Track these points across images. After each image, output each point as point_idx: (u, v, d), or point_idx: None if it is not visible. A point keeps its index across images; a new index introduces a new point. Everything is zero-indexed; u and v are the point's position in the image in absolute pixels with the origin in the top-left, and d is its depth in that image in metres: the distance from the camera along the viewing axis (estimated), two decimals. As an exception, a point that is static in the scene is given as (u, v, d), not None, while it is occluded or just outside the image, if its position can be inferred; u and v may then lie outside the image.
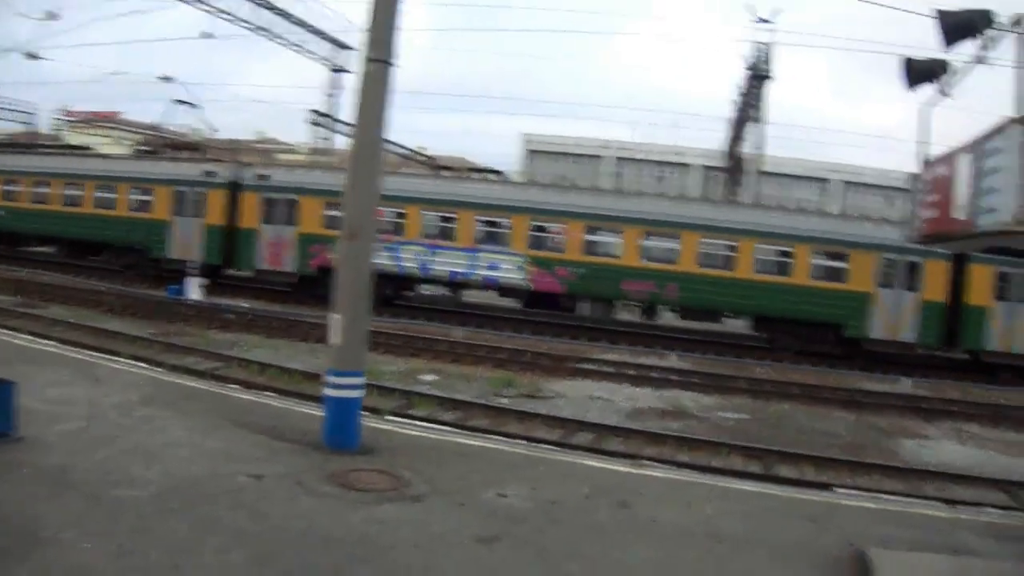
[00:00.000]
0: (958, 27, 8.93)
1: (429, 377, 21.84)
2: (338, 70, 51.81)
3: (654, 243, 31.85)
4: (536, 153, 77.39)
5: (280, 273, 34.84)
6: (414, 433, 13.54)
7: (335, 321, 11.58)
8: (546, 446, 14.73)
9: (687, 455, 16.04)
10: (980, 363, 30.21)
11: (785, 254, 30.81)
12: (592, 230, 32.15)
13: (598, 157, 76.71)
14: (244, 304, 31.33)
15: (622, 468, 12.45)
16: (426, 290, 34.64)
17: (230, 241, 35.74)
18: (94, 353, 18.23)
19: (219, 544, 7.88)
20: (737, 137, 54.75)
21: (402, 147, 59.85)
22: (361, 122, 11.85)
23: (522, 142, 77.73)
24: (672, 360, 26.89)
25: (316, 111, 52.76)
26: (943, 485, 15.38)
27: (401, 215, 33.20)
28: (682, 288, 31.16)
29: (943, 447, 18.91)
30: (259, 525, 8.45)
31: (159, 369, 17.41)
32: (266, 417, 13.03)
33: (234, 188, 35.93)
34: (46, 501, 8.49)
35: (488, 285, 33.47)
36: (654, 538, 9.16)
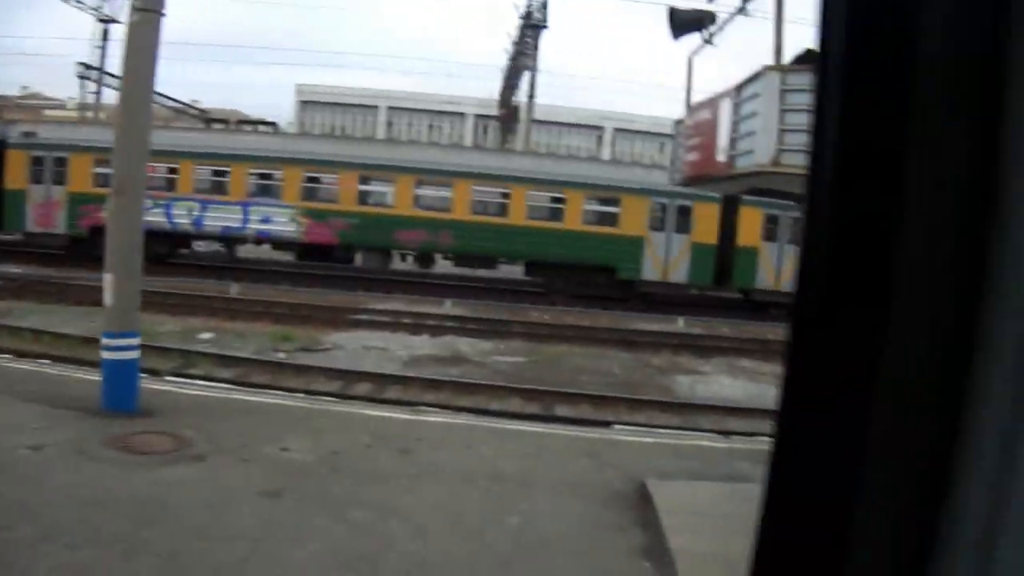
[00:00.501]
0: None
1: (207, 335, 21.53)
2: (107, 20, 49.61)
3: (427, 192, 32.08)
4: (309, 104, 76.18)
5: (51, 235, 33.36)
6: (194, 392, 13.38)
7: (107, 281, 11.26)
8: (326, 398, 14.74)
9: (466, 400, 16.27)
10: (750, 301, 31.55)
11: (558, 200, 31.37)
12: (365, 180, 32.10)
13: (372, 107, 76.09)
14: (14, 269, 29.92)
15: (402, 416, 12.61)
16: (200, 246, 33.78)
17: None
18: None
19: (1, 521, 7.62)
20: (510, 86, 55.29)
21: (173, 100, 58.11)
22: (129, 74, 11.54)
23: (295, 93, 76.38)
24: (448, 307, 27.08)
25: (84, 64, 50.52)
26: (718, 417, 15.98)
27: (173, 170, 32.29)
28: (456, 236, 31.41)
29: (717, 382, 19.70)
30: (43, 496, 8.21)
31: (-77, 344, 16.57)
32: (42, 386, 12.60)
33: None
34: None
35: (261, 239, 33.05)
36: (436, 481, 9.31)
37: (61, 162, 33.00)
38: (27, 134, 34.32)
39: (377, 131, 73.11)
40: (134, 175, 11.54)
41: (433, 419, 12.69)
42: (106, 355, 11.26)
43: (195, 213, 32.34)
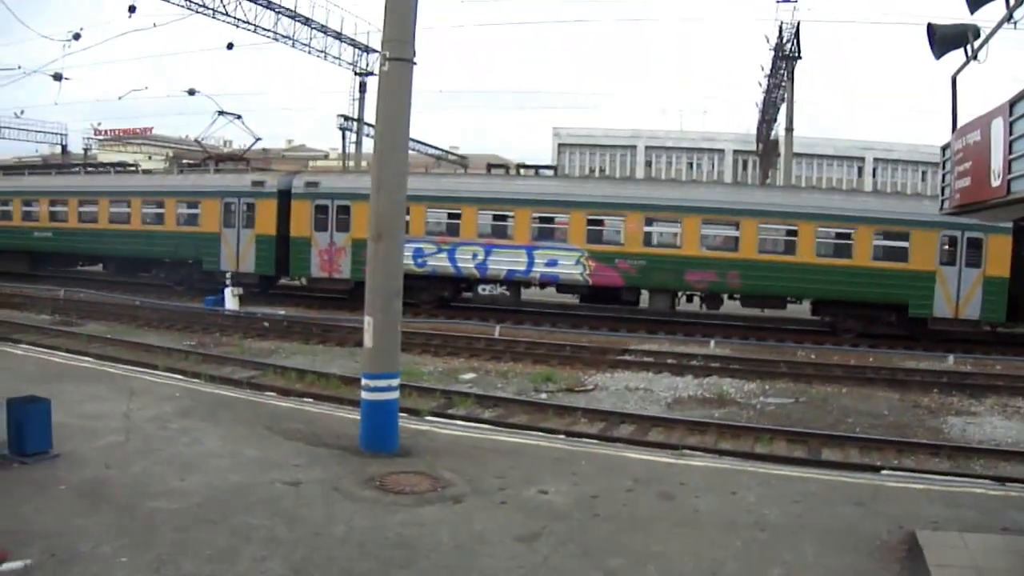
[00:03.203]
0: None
1: (469, 376, 21.80)
2: (363, 73, 51.80)
3: (714, 231, 31.60)
4: (567, 146, 77.21)
5: (335, 280, 34.60)
6: (454, 433, 13.53)
7: (368, 324, 11.51)
8: (587, 440, 14.66)
9: (730, 443, 15.92)
10: None
11: (845, 236, 30.33)
12: (650, 221, 31.81)
13: (630, 147, 76.48)
14: (280, 312, 31.31)
15: (664, 459, 12.36)
16: (484, 290, 34.16)
17: (281, 250, 35.58)
18: (130, 367, 18.41)
19: (256, 553, 7.86)
20: (767, 120, 54.39)
21: (432, 147, 59.85)
22: (383, 122, 11.78)
23: (552, 136, 77.60)
24: (712, 347, 26.60)
25: (344, 116, 52.94)
26: (991, 462, 15.20)
27: (455, 216, 33.06)
28: (743, 275, 30.73)
29: (990, 423, 18.59)
30: (297, 532, 8.42)
31: (195, 380, 17.30)
32: (303, 423, 13.06)
33: (283, 197, 35.63)
34: (84, 516, 8.53)
35: (546, 282, 33.10)
36: (697, 529, 9.06)
37: (344, 210, 34.02)
38: (310, 184, 35.60)
39: (636, 171, 73.65)
40: (392, 220, 11.77)
41: (696, 463, 12.37)
42: (365, 395, 11.54)
43: (479, 257, 32.78)
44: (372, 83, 49.40)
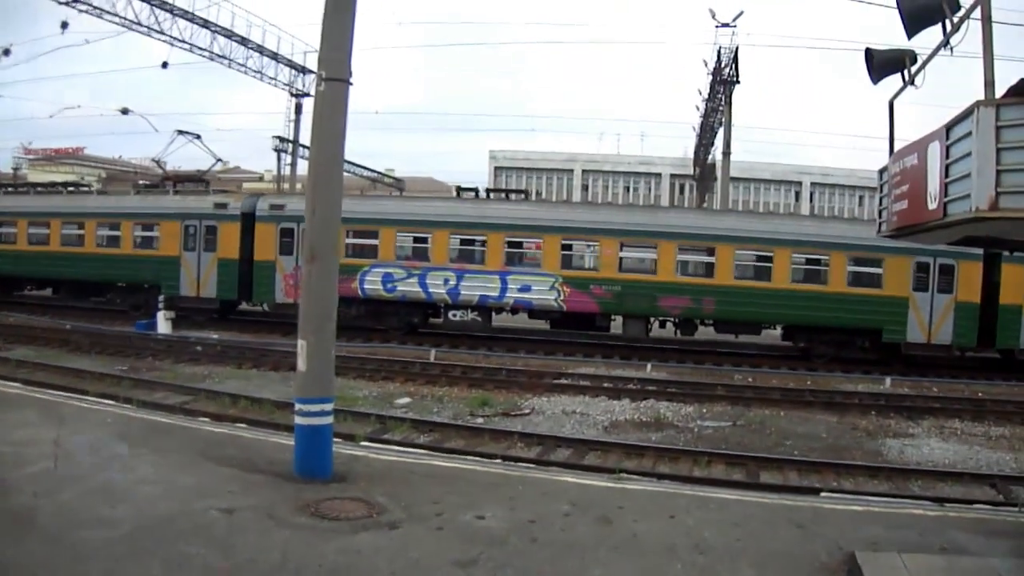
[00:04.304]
0: (921, 13, 8.80)
1: (404, 400, 21.68)
2: (299, 94, 51.53)
3: (689, 257, 31.66)
4: (503, 169, 77.32)
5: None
6: (389, 458, 13.31)
7: (301, 347, 11.33)
8: (524, 464, 14.59)
9: (668, 466, 15.93)
10: (1013, 361, 30.16)
11: (820, 262, 30.71)
12: (625, 246, 31.78)
13: (567, 171, 76.81)
14: (213, 336, 30.89)
15: (602, 483, 12.26)
16: (455, 316, 33.72)
17: (244, 274, 34.86)
18: (61, 393, 18.03)
19: (190, 583, 7.64)
20: (705, 144, 54.78)
21: (368, 169, 59.41)
22: (317, 143, 11.63)
23: (488, 159, 77.74)
24: (649, 371, 26.65)
25: (279, 137, 52.57)
26: (929, 483, 15.38)
27: (426, 240, 32.68)
28: (719, 301, 30.85)
29: (927, 445, 18.80)
30: (231, 561, 8.24)
31: (127, 406, 16.94)
32: (237, 449, 12.79)
33: (247, 219, 34.97)
34: (11, 547, 8.28)
35: (520, 308, 32.88)
36: (636, 553, 8.97)
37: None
38: (275, 206, 34.91)
39: (574, 194, 74.04)
40: (325, 241, 11.59)
41: (634, 487, 12.27)
42: (299, 420, 11.32)
43: (451, 282, 32.38)
44: (308, 104, 49.20)
